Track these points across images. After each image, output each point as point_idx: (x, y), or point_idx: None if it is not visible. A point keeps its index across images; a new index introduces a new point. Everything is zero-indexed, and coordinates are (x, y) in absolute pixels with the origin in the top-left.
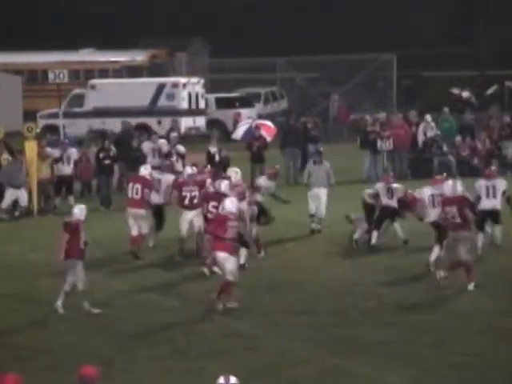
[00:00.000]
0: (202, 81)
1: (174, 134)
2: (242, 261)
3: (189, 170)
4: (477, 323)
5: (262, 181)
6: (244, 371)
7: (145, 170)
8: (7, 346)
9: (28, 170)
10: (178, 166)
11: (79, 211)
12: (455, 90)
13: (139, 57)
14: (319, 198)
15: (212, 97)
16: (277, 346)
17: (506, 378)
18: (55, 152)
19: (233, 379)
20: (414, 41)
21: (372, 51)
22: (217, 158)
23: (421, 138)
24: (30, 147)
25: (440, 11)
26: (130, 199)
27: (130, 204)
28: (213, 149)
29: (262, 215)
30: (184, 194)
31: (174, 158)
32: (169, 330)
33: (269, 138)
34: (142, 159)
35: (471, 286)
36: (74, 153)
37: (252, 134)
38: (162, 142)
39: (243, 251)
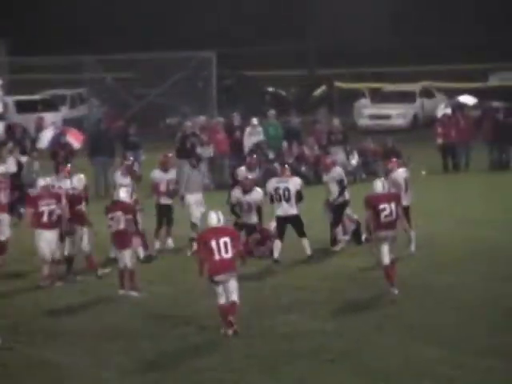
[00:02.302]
0: (1, 82)
1: None
2: None
3: (41, 181)
4: (308, 345)
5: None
6: None
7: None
8: None
9: None
10: None
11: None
12: (272, 89)
13: None
14: (201, 204)
15: (11, 100)
16: (87, 374)
17: None
18: None
19: None
20: (236, 38)
21: (190, 49)
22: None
23: (247, 144)
24: None
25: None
26: None
27: None
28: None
29: None
30: (41, 209)
31: None
32: None
33: (76, 145)
34: None
35: None
36: None
37: (58, 141)
38: None
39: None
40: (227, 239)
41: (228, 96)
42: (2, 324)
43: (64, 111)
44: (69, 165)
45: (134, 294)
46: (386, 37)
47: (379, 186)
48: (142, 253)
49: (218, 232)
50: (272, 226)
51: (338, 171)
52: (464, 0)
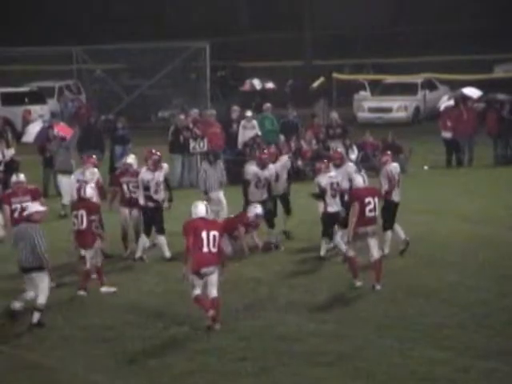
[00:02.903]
0: None
1: None
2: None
3: (14, 177)
4: (304, 347)
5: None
6: None
7: None
8: None
9: None
10: None
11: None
12: (258, 84)
13: None
14: (221, 202)
15: None
16: (77, 378)
17: None
18: None
19: None
20: (230, 27)
21: (183, 39)
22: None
23: (242, 138)
24: None
25: None
26: None
27: None
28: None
29: None
30: (14, 207)
31: None
32: None
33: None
34: None
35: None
36: None
37: (46, 136)
38: None
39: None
40: (216, 233)
41: (222, 88)
42: None
43: (52, 104)
44: (94, 156)
45: (82, 293)
46: (388, 27)
47: (360, 180)
48: (139, 252)
49: (208, 224)
50: (251, 216)
51: (353, 168)
52: None
